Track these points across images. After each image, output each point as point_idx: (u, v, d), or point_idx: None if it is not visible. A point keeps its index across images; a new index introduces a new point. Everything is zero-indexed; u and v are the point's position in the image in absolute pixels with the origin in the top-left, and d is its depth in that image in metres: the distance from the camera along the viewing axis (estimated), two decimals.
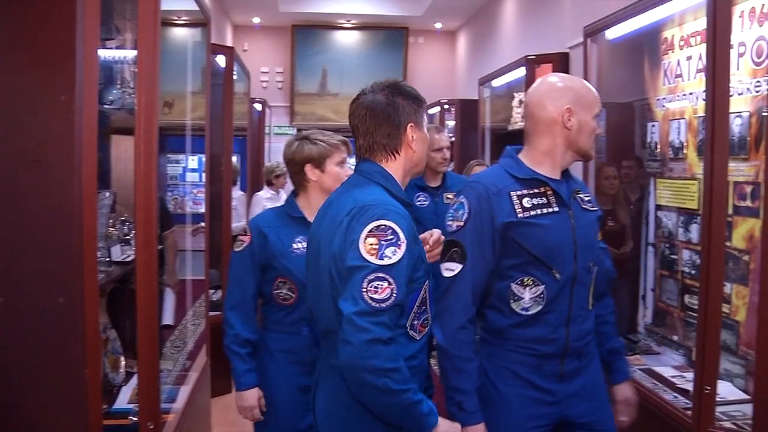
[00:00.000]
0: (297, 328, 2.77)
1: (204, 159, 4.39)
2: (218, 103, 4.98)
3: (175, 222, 4.28)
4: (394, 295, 1.81)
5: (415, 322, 1.96)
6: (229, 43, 9.64)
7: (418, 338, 1.98)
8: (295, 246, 2.74)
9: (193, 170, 5.96)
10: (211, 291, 4.91)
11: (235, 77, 5.37)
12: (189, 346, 3.83)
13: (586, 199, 2.30)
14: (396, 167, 2.04)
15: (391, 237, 1.84)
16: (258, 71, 10.56)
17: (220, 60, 5.15)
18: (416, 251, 1.93)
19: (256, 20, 10.50)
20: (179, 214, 5.42)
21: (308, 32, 10.71)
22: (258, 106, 8.70)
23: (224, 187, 5.16)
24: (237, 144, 6.74)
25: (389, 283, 1.81)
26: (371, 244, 1.83)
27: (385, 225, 1.84)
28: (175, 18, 3.95)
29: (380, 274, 1.81)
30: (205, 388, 3.80)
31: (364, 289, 1.79)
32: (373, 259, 1.81)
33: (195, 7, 3.73)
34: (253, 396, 2.73)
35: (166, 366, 3.31)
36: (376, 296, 1.79)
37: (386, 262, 1.82)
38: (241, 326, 2.72)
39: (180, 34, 4.19)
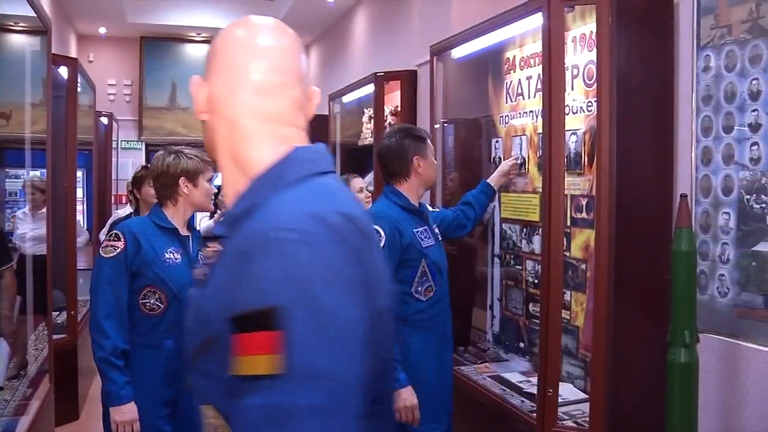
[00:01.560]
0: (161, 340, 2.68)
1: (46, 174, 4.16)
2: (61, 116, 4.73)
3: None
4: None
5: (419, 288, 2.87)
6: (73, 53, 9.18)
7: (423, 299, 2.89)
8: (167, 255, 2.71)
9: None
10: (55, 313, 4.65)
11: (79, 89, 5.12)
12: (30, 373, 3.60)
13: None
14: (408, 186, 2.97)
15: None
16: (104, 83, 10.13)
17: (63, 71, 4.90)
18: (403, 242, 2.81)
19: (103, 30, 10.07)
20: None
21: (157, 44, 10.39)
22: (104, 120, 8.34)
23: (68, 203, 4.91)
24: (82, 159, 6.43)
25: None
26: None
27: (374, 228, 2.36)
28: (11, 24, 3.73)
29: None
30: (48, 417, 3.58)
31: None
32: None
33: (32, 13, 3.52)
34: (134, 409, 2.61)
35: (3, 396, 3.09)
36: None
37: None
38: (117, 336, 2.60)
39: (17, 41, 3.96)
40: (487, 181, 3.60)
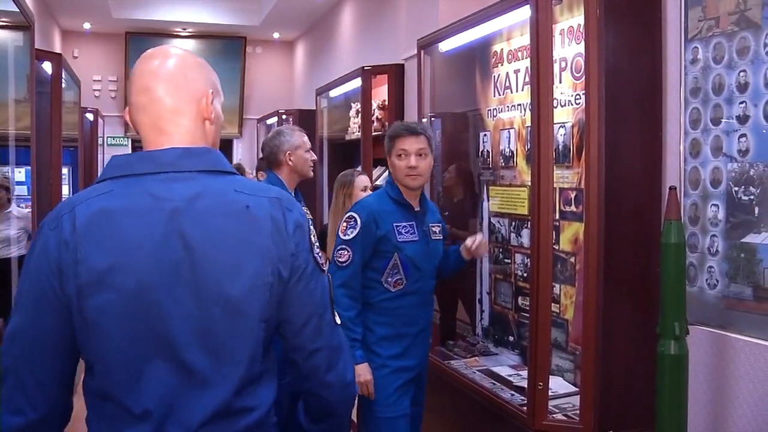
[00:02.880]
0: None
1: (31, 171, 4.12)
2: (46, 112, 4.70)
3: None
4: (350, 259, 2.84)
5: (389, 279, 2.90)
6: (57, 48, 9.11)
7: (392, 290, 2.91)
8: None
9: (20, 183, 5.59)
10: None
11: (64, 85, 5.08)
12: None
13: None
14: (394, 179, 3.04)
15: (353, 223, 2.88)
16: (90, 79, 10.07)
17: (47, 66, 4.86)
18: (377, 233, 2.86)
19: (87, 26, 10.00)
20: None
21: (143, 40, 10.31)
22: (90, 116, 8.30)
23: (53, 200, 4.88)
24: (67, 155, 6.38)
25: (347, 252, 2.85)
26: (343, 227, 2.89)
27: (351, 215, 2.91)
28: None
29: (343, 246, 2.87)
30: None
31: (335, 255, 2.88)
32: (341, 236, 2.89)
33: (14, 8, 3.48)
34: None
35: None
36: (340, 259, 2.86)
37: (346, 238, 2.86)
38: None
39: None
40: (460, 249, 3.23)
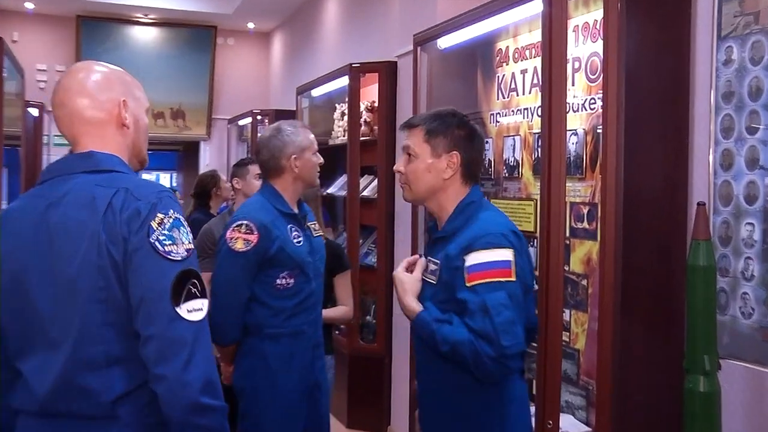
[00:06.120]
0: None
1: None
2: None
3: None
4: None
5: None
6: None
7: None
8: None
9: None
10: None
11: (5, 74, 5.03)
12: None
13: None
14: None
15: None
16: (34, 68, 9.96)
17: None
18: None
19: (30, 5, 9.90)
20: None
21: (97, 25, 10.26)
22: (34, 111, 8.22)
23: None
24: (8, 156, 6.32)
25: None
26: None
27: None
28: None
29: None
30: None
31: None
32: None
33: None
34: None
35: None
36: None
37: None
38: None
39: None
40: None
